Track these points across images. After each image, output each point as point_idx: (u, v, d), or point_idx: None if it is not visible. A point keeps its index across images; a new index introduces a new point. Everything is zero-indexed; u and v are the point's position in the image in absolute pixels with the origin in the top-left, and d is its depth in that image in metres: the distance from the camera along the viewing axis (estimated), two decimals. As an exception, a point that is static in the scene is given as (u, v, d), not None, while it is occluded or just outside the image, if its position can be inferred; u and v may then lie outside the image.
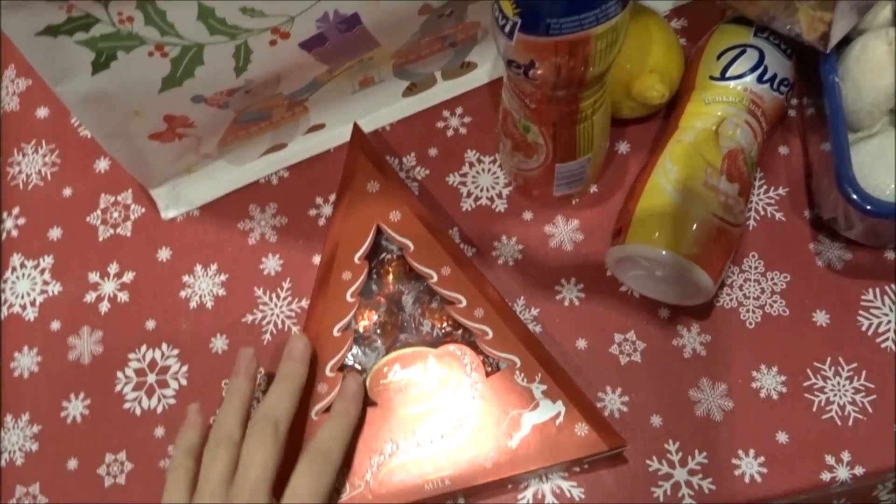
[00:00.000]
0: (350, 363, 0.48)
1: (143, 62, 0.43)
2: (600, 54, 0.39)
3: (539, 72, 0.40)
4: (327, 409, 0.47)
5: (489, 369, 0.47)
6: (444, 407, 0.46)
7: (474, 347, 0.47)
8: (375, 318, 0.49)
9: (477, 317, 0.47)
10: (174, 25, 0.42)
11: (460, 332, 0.48)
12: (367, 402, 0.47)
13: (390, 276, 0.50)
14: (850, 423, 0.47)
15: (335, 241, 0.50)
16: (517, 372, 0.46)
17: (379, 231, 0.50)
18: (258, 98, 0.50)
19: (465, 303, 0.48)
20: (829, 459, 0.46)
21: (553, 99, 0.43)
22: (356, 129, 0.53)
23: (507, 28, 0.39)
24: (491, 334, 0.47)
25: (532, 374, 0.46)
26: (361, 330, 0.49)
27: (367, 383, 0.47)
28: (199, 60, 0.44)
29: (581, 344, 0.50)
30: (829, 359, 0.48)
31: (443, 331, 0.48)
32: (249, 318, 0.53)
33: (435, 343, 0.48)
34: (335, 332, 0.48)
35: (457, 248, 0.50)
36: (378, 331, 0.49)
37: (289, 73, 0.48)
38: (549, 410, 0.45)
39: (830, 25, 0.44)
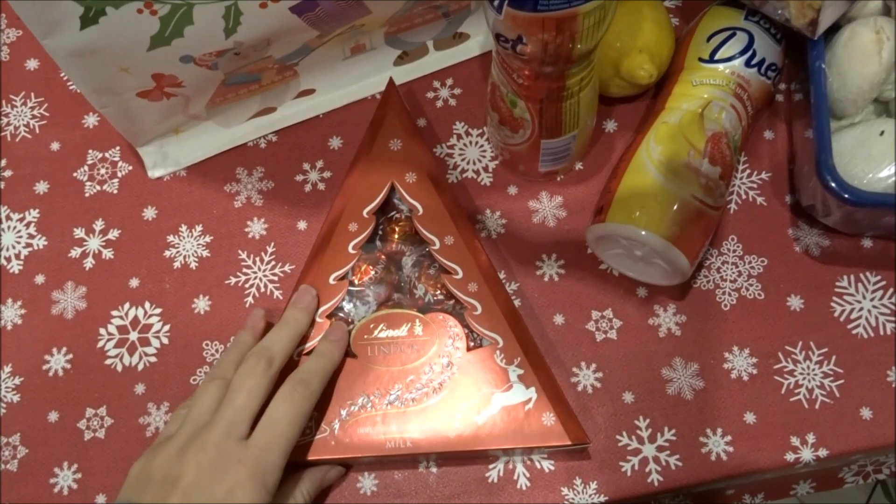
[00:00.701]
0: (339, 313, 0.49)
1: (131, 19, 0.43)
2: (588, 31, 0.39)
3: (527, 47, 0.40)
4: (310, 352, 0.47)
5: (471, 344, 0.48)
6: (420, 371, 0.47)
7: (461, 320, 0.48)
8: (372, 273, 0.50)
9: (470, 290, 0.48)
10: (164, -17, 0.42)
11: (451, 302, 0.49)
12: (348, 352, 0.48)
13: (395, 235, 0.50)
14: (818, 406, 0.48)
15: (349, 191, 0.50)
16: (497, 351, 0.47)
17: (392, 189, 0.50)
18: (247, 60, 0.50)
19: (461, 274, 0.48)
20: (795, 440, 0.47)
21: (540, 75, 0.43)
22: (391, 84, 0.53)
23: (497, 2, 0.39)
24: (480, 310, 0.48)
25: (511, 356, 0.47)
26: (357, 282, 0.50)
27: (352, 336, 0.48)
28: (189, 20, 0.44)
29: (558, 319, 0.51)
30: (800, 343, 0.49)
31: (435, 298, 0.49)
32: (233, 280, 0.53)
33: (425, 309, 0.49)
34: (331, 280, 0.49)
35: (465, 221, 0.50)
36: (372, 286, 0.50)
37: (279, 36, 0.48)
38: (520, 395, 0.46)
39: (819, 12, 0.44)
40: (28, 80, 0.59)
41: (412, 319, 0.48)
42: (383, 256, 0.50)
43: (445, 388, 0.47)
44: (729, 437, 0.47)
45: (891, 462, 0.55)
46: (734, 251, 0.51)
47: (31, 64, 0.60)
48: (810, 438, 0.47)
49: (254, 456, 0.41)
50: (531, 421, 0.46)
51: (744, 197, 0.52)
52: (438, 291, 0.50)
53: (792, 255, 0.51)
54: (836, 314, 0.50)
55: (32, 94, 0.59)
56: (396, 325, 0.48)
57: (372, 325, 0.48)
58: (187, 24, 0.44)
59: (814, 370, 0.48)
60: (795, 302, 0.50)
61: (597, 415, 0.48)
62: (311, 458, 0.46)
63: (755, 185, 0.53)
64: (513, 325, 0.47)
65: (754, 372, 0.49)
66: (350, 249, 0.49)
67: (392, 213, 0.51)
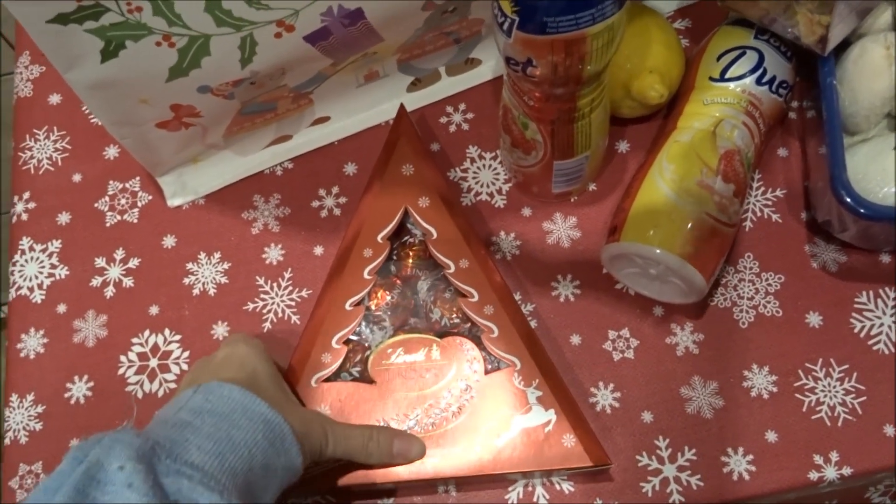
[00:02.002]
0: (356, 339, 0.49)
1: (150, 51, 0.44)
2: (597, 53, 0.40)
3: (536, 69, 0.41)
4: (327, 379, 0.48)
5: (489, 367, 0.48)
6: (439, 396, 0.47)
7: (478, 343, 0.48)
8: (388, 298, 0.50)
9: (486, 313, 0.48)
10: (182, 16, 0.43)
11: (468, 325, 0.49)
12: (366, 378, 0.48)
13: (410, 260, 0.51)
14: (840, 423, 0.47)
15: (363, 216, 0.51)
16: (516, 374, 0.47)
17: (406, 213, 0.50)
18: (263, 89, 0.51)
19: (476, 297, 0.48)
20: (818, 459, 0.46)
21: (551, 96, 0.44)
22: (402, 110, 0.53)
23: (506, 26, 0.39)
24: (497, 332, 0.48)
25: (530, 378, 0.47)
26: (373, 308, 0.50)
27: (370, 361, 0.48)
28: (206, 51, 0.45)
29: (575, 339, 0.50)
30: (820, 360, 0.49)
31: (451, 322, 0.50)
32: (251, 305, 0.54)
33: (442, 332, 0.49)
34: (347, 306, 0.49)
35: (478, 243, 0.50)
36: (389, 311, 0.50)
37: (293, 65, 0.49)
38: (540, 417, 0.46)
39: (828, 29, 0.45)
40: (51, 115, 0.61)
41: (429, 344, 0.48)
42: (398, 281, 0.51)
43: (464, 412, 0.47)
44: (751, 457, 0.47)
45: (918, 481, 0.54)
46: (751, 268, 0.51)
47: (54, 99, 0.61)
48: (833, 456, 0.46)
49: None
50: (551, 443, 0.45)
51: (759, 214, 0.52)
52: (454, 315, 0.50)
53: (809, 272, 0.51)
54: (856, 330, 0.49)
55: (55, 128, 0.60)
56: (413, 350, 0.48)
57: (389, 351, 0.48)
58: (204, 55, 0.45)
59: (835, 387, 0.48)
60: (814, 319, 0.50)
61: (616, 435, 0.48)
62: (339, 483, 0.46)
63: (770, 203, 0.53)
64: (530, 347, 0.47)
65: (774, 390, 0.48)
66: (365, 275, 0.49)
67: (406, 238, 0.52)
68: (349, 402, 0.47)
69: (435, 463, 0.46)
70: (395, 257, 0.52)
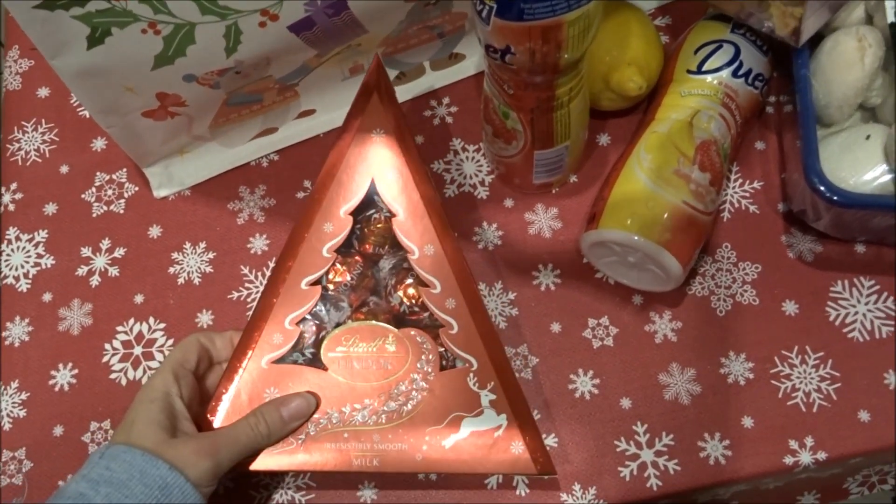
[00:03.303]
0: (310, 318, 0.48)
1: (136, 39, 0.45)
2: (573, 40, 0.41)
3: (515, 56, 0.42)
4: (278, 360, 0.47)
5: (444, 363, 0.47)
6: (391, 389, 0.46)
7: (435, 337, 0.47)
8: (348, 278, 0.48)
9: (447, 307, 0.47)
10: (167, 4, 0.43)
11: (427, 314, 0.47)
12: (318, 364, 0.47)
13: (373, 238, 0.48)
14: (815, 409, 0.48)
15: (325, 183, 0.48)
16: (471, 374, 0.46)
17: (372, 185, 0.48)
18: (248, 80, 0.51)
19: (439, 289, 0.47)
20: (793, 444, 0.47)
21: (530, 85, 0.44)
22: (377, 62, 0.49)
23: (484, 13, 0.40)
24: (456, 329, 0.47)
25: (485, 380, 0.46)
26: (331, 288, 0.48)
27: (323, 346, 0.47)
28: (191, 39, 0.46)
29: (555, 327, 0.51)
30: (796, 347, 0.49)
31: (410, 309, 0.48)
32: (235, 294, 0.54)
33: (399, 319, 0.48)
34: (303, 285, 0.47)
35: (447, 230, 0.48)
36: (348, 291, 0.48)
37: (278, 55, 0.50)
38: (491, 421, 0.45)
39: (801, 21, 0.46)
40: (39, 107, 0.61)
41: (385, 334, 0.47)
42: (360, 259, 0.48)
43: (415, 408, 0.46)
44: (727, 442, 0.47)
45: (895, 472, 0.55)
46: (728, 258, 0.52)
47: (43, 92, 0.62)
48: (808, 442, 0.47)
49: None
50: (500, 448, 0.45)
51: (736, 205, 0.53)
52: (415, 303, 0.48)
53: (786, 262, 0.51)
54: (831, 318, 0.50)
55: (43, 121, 0.61)
56: (368, 340, 0.47)
57: (344, 338, 0.47)
58: (189, 44, 0.46)
59: (810, 374, 0.49)
60: (790, 307, 0.50)
61: (595, 421, 0.49)
62: (276, 468, 0.46)
63: (748, 194, 0.53)
64: (489, 348, 0.46)
65: (751, 377, 0.49)
66: (325, 252, 0.47)
67: (371, 212, 0.48)
68: (298, 388, 0.46)
69: (382, 457, 0.45)
70: (357, 232, 0.48)
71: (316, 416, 0.46)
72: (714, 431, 0.48)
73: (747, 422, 0.48)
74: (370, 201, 0.49)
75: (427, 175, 0.50)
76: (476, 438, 0.45)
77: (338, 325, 0.48)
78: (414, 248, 0.48)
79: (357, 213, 0.49)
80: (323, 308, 0.48)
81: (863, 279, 0.51)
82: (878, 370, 0.48)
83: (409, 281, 0.48)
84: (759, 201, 0.53)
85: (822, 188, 0.44)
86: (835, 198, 0.44)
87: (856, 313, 0.50)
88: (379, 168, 0.48)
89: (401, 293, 0.48)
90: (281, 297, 0.48)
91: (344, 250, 0.49)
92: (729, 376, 0.49)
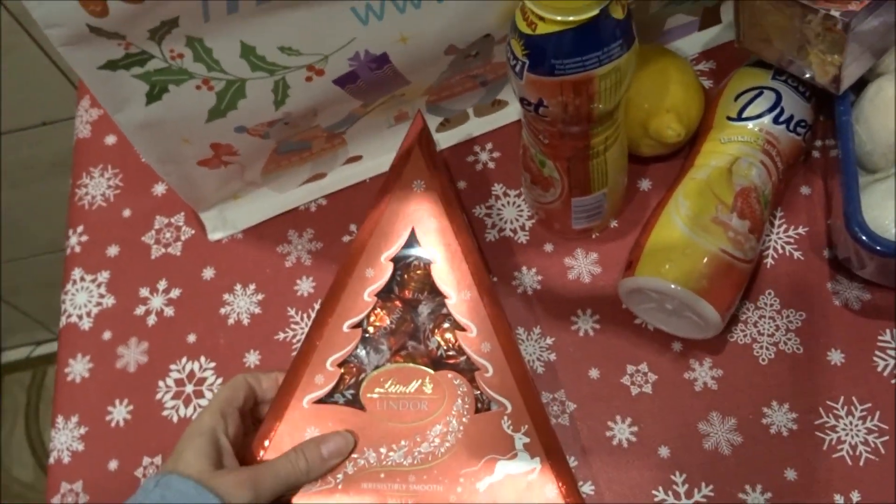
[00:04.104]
0: (351, 361, 0.49)
1: (191, 94, 0.48)
2: (605, 93, 0.42)
3: (548, 109, 0.43)
4: (319, 401, 0.48)
5: (480, 405, 0.47)
6: (427, 430, 0.47)
7: (471, 380, 0.48)
8: (388, 322, 0.50)
9: (483, 350, 0.48)
10: (220, 62, 0.46)
11: (464, 358, 0.49)
12: (357, 405, 0.48)
13: (413, 283, 0.50)
14: (862, 462, 0.47)
15: (368, 232, 0.50)
16: (505, 417, 0.46)
17: (412, 234, 0.50)
18: (297, 129, 0.54)
19: (475, 332, 0.48)
20: (839, 499, 0.46)
21: (565, 135, 0.45)
22: (419, 119, 0.52)
23: (518, 68, 0.42)
24: (491, 372, 0.47)
25: (519, 423, 0.46)
26: (371, 331, 0.50)
27: (362, 387, 0.49)
28: (242, 94, 0.48)
29: (594, 373, 0.51)
30: (842, 398, 0.48)
31: (447, 353, 0.49)
32: (281, 335, 0.56)
33: (437, 363, 0.49)
34: (345, 328, 0.49)
35: (484, 276, 0.49)
36: (387, 335, 0.50)
37: (325, 107, 0.52)
38: (525, 464, 0.45)
39: (841, 68, 0.45)
40: (106, 154, 0.65)
41: (423, 376, 0.48)
42: (399, 304, 0.50)
43: (450, 450, 0.46)
44: (769, 495, 0.47)
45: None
46: (771, 305, 0.51)
47: (110, 140, 0.66)
48: (854, 497, 0.46)
49: None
50: (533, 492, 0.45)
51: (780, 252, 0.52)
52: (452, 346, 0.49)
53: (831, 309, 0.50)
54: (878, 369, 0.49)
55: (109, 167, 0.65)
56: (406, 382, 0.48)
57: (382, 379, 0.48)
58: (240, 98, 0.48)
59: (857, 426, 0.47)
60: (836, 356, 0.49)
61: (632, 469, 0.48)
62: None
63: (792, 240, 0.53)
64: (523, 391, 0.47)
65: (794, 427, 0.48)
66: (366, 297, 0.49)
67: (411, 259, 0.50)
68: (338, 428, 0.47)
69: (417, 498, 0.46)
70: (398, 278, 0.50)
71: (354, 455, 0.47)
72: (755, 483, 0.47)
73: (790, 474, 0.47)
74: (410, 249, 0.50)
75: (466, 223, 0.51)
76: (510, 481, 0.45)
77: (377, 367, 0.49)
78: (451, 294, 0.49)
79: (397, 259, 0.50)
80: (363, 350, 0.50)
81: (912, 328, 0.49)
82: (929, 423, 0.47)
83: (447, 325, 0.49)
84: (804, 247, 0.52)
85: (863, 237, 0.44)
86: (878, 247, 0.44)
87: (905, 364, 0.48)
88: (419, 218, 0.50)
89: (438, 337, 0.50)
90: (324, 339, 0.49)
91: (384, 295, 0.50)
92: (771, 427, 0.48)
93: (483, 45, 0.52)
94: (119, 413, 0.55)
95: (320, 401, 0.49)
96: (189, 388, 0.55)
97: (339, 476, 0.47)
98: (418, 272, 0.50)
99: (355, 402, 0.49)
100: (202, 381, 0.55)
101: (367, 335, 0.50)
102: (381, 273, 0.50)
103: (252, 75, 0.47)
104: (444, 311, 0.50)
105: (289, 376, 0.49)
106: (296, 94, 0.49)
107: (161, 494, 0.42)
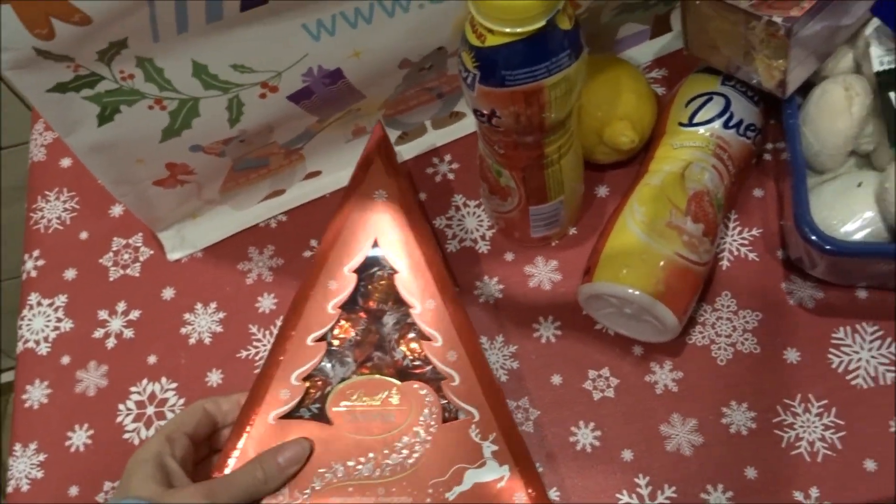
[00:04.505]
0: (316, 374, 0.49)
1: (144, 115, 0.47)
2: (556, 102, 0.42)
3: (501, 119, 0.43)
4: (285, 416, 0.48)
5: (447, 415, 0.47)
6: (395, 442, 0.47)
7: (438, 390, 0.48)
8: (353, 334, 0.49)
9: (449, 359, 0.48)
10: (171, 81, 0.46)
11: (430, 368, 0.49)
12: (323, 419, 0.48)
13: (377, 294, 0.50)
14: (820, 459, 0.47)
15: (330, 243, 0.50)
16: (473, 426, 0.46)
17: (375, 244, 0.50)
18: (253, 146, 0.53)
19: (440, 342, 0.48)
20: (798, 495, 0.47)
21: (519, 144, 0.46)
22: (379, 128, 0.52)
23: (469, 80, 0.42)
24: (458, 381, 0.47)
25: (487, 432, 0.46)
26: (336, 343, 0.49)
27: (328, 401, 0.48)
28: (196, 113, 0.48)
29: (556, 380, 0.51)
30: (799, 395, 0.49)
31: (413, 363, 0.49)
32: (244, 353, 0.55)
33: (403, 372, 0.49)
34: (309, 342, 0.48)
35: (448, 284, 0.49)
36: (353, 347, 0.49)
37: (280, 123, 0.52)
38: (494, 472, 0.45)
39: (785, 73, 0.46)
40: (61, 177, 0.64)
41: (389, 388, 0.48)
42: (364, 315, 0.50)
43: (419, 461, 0.46)
44: (730, 493, 0.47)
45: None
46: (728, 306, 0.52)
47: (65, 162, 0.65)
48: (814, 493, 0.46)
49: None
50: (502, 500, 0.45)
51: (735, 253, 0.53)
52: (417, 357, 0.49)
53: (786, 309, 0.51)
54: (833, 366, 0.49)
55: (65, 190, 0.64)
56: (373, 394, 0.48)
57: (348, 392, 0.48)
58: (194, 117, 0.48)
59: (814, 423, 0.48)
60: (792, 355, 0.50)
61: (597, 473, 0.49)
62: None
63: (746, 242, 0.54)
64: (490, 399, 0.47)
65: (753, 426, 0.49)
66: (329, 309, 0.49)
67: (375, 270, 0.50)
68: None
69: None
70: (361, 289, 0.50)
71: (321, 469, 0.47)
72: (717, 483, 0.47)
73: (750, 472, 0.47)
74: (373, 259, 0.50)
75: (430, 232, 0.51)
76: (479, 490, 0.45)
77: (343, 379, 0.49)
78: (415, 304, 0.49)
79: (361, 270, 0.50)
80: (328, 363, 0.49)
81: (865, 325, 0.50)
82: (883, 418, 0.48)
83: (412, 335, 0.49)
84: (758, 249, 0.53)
85: (813, 237, 0.45)
86: (827, 246, 0.45)
87: (859, 360, 0.49)
88: (381, 228, 0.50)
89: (404, 347, 0.49)
90: (288, 353, 0.49)
91: (349, 307, 0.50)
92: (731, 426, 0.49)
93: (437, 57, 0.52)
94: (79, 438, 0.55)
95: (287, 416, 0.48)
96: (150, 410, 0.55)
97: (307, 492, 0.47)
98: (382, 282, 0.50)
99: (321, 417, 0.48)
100: (164, 402, 0.55)
101: (332, 348, 0.49)
102: (344, 285, 0.49)
103: (205, 94, 0.47)
104: (409, 320, 0.49)
105: (253, 392, 0.49)
106: (250, 112, 0.49)
107: None
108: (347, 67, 0.48)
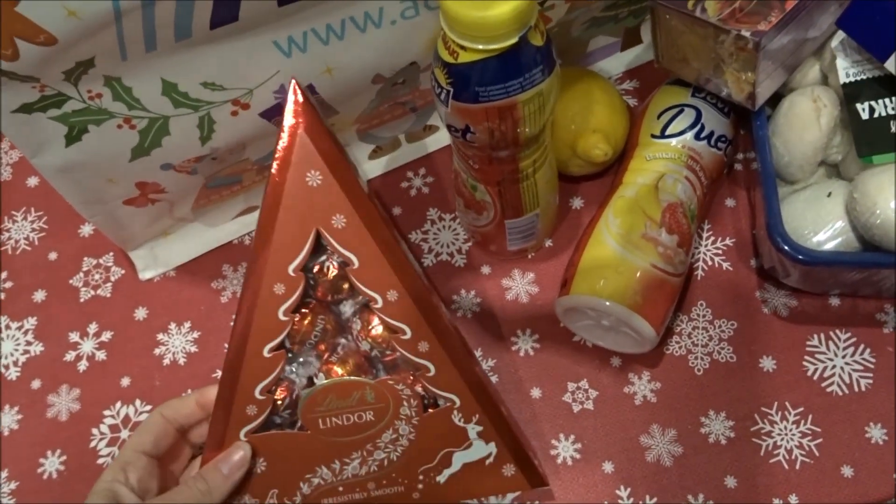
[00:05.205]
0: (282, 381, 0.47)
1: (112, 134, 0.46)
2: (530, 117, 0.42)
3: (475, 135, 0.43)
4: (256, 431, 0.46)
5: (427, 402, 0.46)
6: (377, 439, 0.46)
7: (414, 381, 0.46)
8: (312, 336, 0.47)
9: (421, 351, 0.45)
10: (140, 100, 0.45)
11: (399, 354, 0.46)
12: (298, 427, 0.47)
13: (330, 285, 0.47)
14: (798, 466, 0.48)
15: (263, 244, 0.44)
16: (455, 412, 0.46)
17: (319, 237, 0.44)
18: (225, 164, 0.53)
19: (409, 334, 0.45)
20: (777, 503, 0.47)
21: (494, 159, 0.46)
22: (296, 89, 0.43)
23: (443, 96, 0.42)
24: (433, 371, 0.46)
25: (470, 414, 0.46)
26: (296, 349, 0.47)
27: (300, 408, 0.46)
28: (166, 131, 0.47)
29: (536, 392, 0.51)
30: (776, 403, 0.49)
31: (384, 351, 0.47)
32: (219, 373, 0.55)
33: (373, 361, 0.48)
34: (266, 353, 0.45)
35: (408, 269, 0.45)
36: (313, 345, 0.47)
37: (253, 140, 0.51)
38: (481, 451, 0.46)
39: (755, 85, 0.47)
40: (29, 196, 0.63)
41: (362, 387, 0.46)
42: (320, 311, 0.47)
43: (406, 453, 0.46)
44: (711, 503, 0.47)
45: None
46: (703, 316, 0.52)
47: (32, 181, 0.64)
48: (793, 500, 0.47)
49: None
50: (491, 474, 0.46)
51: (710, 263, 0.54)
52: (385, 346, 0.47)
53: (761, 317, 0.52)
54: (809, 373, 0.50)
55: (33, 209, 0.62)
56: (345, 395, 0.46)
57: (320, 398, 0.46)
58: (164, 135, 0.48)
59: (791, 430, 0.49)
60: (768, 363, 0.51)
61: (578, 486, 0.49)
62: None
63: (720, 252, 0.54)
64: (469, 382, 0.46)
65: (732, 435, 0.49)
66: (281, 316, 0.44)
67: (322, 258, 0.45)
68: (285, 453, 0.46)
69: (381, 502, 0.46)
70: (311, 282, 0.46)
71: (307, 475, 0.46)
72: (697, 493, 0.48)
73: (730, 482, 0.48)
74: (319, 253, 0.46)
75: (382, 216, 0.46)
76: (469, 469, 0.46)
77: (311, 381, 0.47)
78: (376, 297, 0.45)
79: (308, 269, 0.46)
80: (291, 368, 0.47)
81: (839, 332, 0.51)
82: (859, 424, 0.48)
83: (376, 321, 0.47)
84: (732, 258, 0.54)
85: (785, 247, 0.45)
86: (799, 256, 0.45)
87: (833, 367, 0.50)
88: (321, 217, 0.44)
89: (370, 339, 0.48)
90: (245, 369, 0.46)
91: (301, 307, 0.47)
92: (710, 436, 0.49)
93: (409, 72, 0.52)
94: (51, 464, 0.53)
95: (257, 431, 0.47)
96: (124, 434, 0.54)
97: (297, 498, 0.46)
98: (333, 273, 0.46)
99: (295, 424, 0.47)
100: (137, 425, 0.54)
101: (291, 353, 0.47)
102: (292, 286, 0.44)
103: (175, 112, 0.46)
104: (370, 311, 0.47)
105: (216, 414, 0.47)
106: (222, 129, 0.49)
107: None
108: (320, 83, 0.48)
